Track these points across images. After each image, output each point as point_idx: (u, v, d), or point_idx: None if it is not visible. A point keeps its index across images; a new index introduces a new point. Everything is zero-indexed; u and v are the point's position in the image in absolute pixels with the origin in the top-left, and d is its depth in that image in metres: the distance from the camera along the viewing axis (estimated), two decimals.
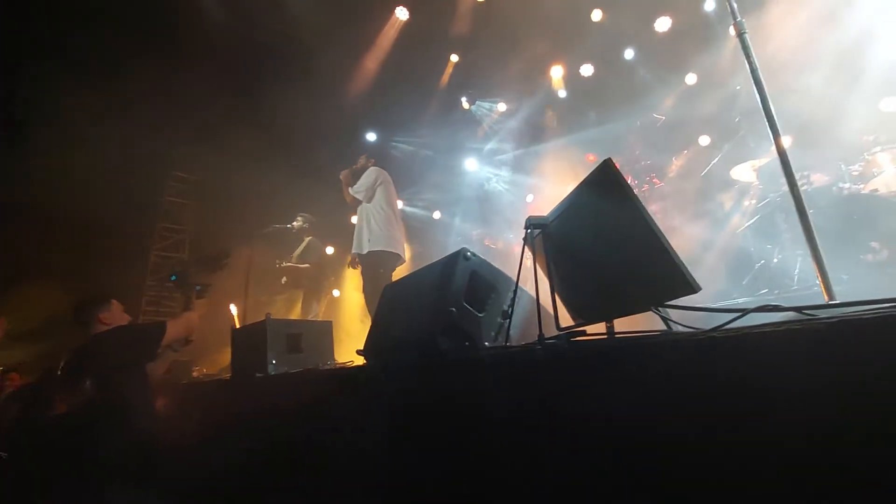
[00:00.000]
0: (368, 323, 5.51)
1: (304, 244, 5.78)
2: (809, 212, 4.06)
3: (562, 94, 7.36)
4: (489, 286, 1.88)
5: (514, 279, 2.01)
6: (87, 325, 2.58)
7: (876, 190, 3.69)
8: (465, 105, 7.79)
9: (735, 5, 1.67)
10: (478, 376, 1.52)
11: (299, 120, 6.95)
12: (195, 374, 4.56)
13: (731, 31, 1.73)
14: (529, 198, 7.29)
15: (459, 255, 1.80)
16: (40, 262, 6.00)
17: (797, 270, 3.79)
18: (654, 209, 5.14)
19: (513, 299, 1.68)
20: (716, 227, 4.61)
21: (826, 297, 1.44)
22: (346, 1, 6.46)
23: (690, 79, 6.51)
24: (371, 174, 4.56)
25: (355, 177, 4.63)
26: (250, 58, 6.58)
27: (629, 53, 6.90)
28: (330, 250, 7.40)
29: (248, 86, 6.76)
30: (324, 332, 2.89)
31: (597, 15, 6.46)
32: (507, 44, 6.94)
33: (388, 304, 2.25)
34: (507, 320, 1.87)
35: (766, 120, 1.55)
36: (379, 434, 1.85)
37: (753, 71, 1.58)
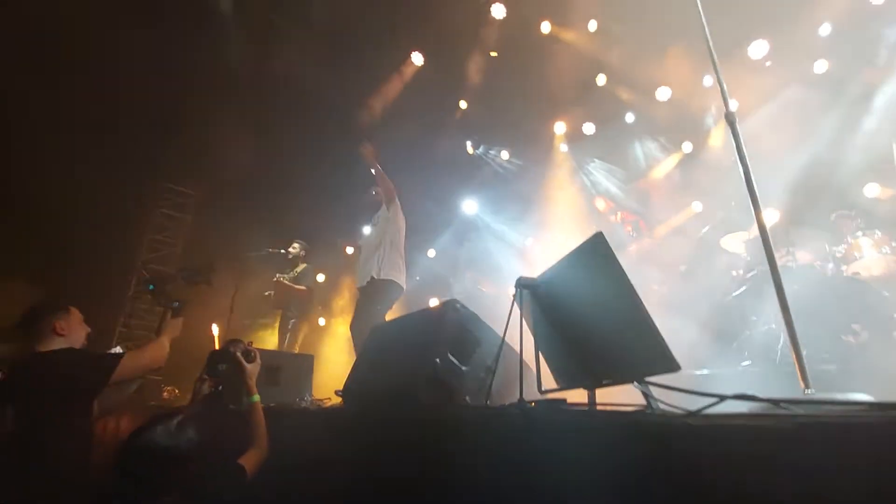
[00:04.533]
0: (353, 357, 5.45)
1: (301, 268, 5.76)
2: (793, 287, 4.15)
3: (563, 148, 7.63)
4: (475, 340, 1.88)
5: (501, 334, 2.02)
6: (38, 335, 2.16)
7: (857, 273, 3.80)
8: (470, 150, 8.01)
9: (726, 93, 1.79)
10: (456, 435, 1.50)
11: (302, 148, 7.10)
12: (166, 395, 4.42)
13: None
14: (528, 241, 7.39)
15: (449, 306, 1.82)
16: (15, 260, 5.89)
17: (780, 345, 3.83)
18: (647, 266, 5.22)
19: (497, 356, 1.69)
20: (705, 293, 4.68)
21: (802, 385, 1.46)
22: (364, 41, 6.76)
23: (687, 147, 6.80)
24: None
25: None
26: (263, 80, 6.77)
27: (630, 117, 7.21)
28: (321, 278, 7.40)
29: (257, 108, 6.91)
30: (304, 366, 2.84)
31: (601, 79, 6.79)
32: (514, 96, 7.23)
33: (374, 346, 2.24)
34: (491, 377, 1.87)
35: (750, 201, 1.62)
36: (346, 483, 1.80)
37: (741, 155, 1.68)
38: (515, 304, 1.61)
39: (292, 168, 7.35)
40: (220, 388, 2.59)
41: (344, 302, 7.46)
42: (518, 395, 1.83)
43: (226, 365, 2.49)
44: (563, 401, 1.31)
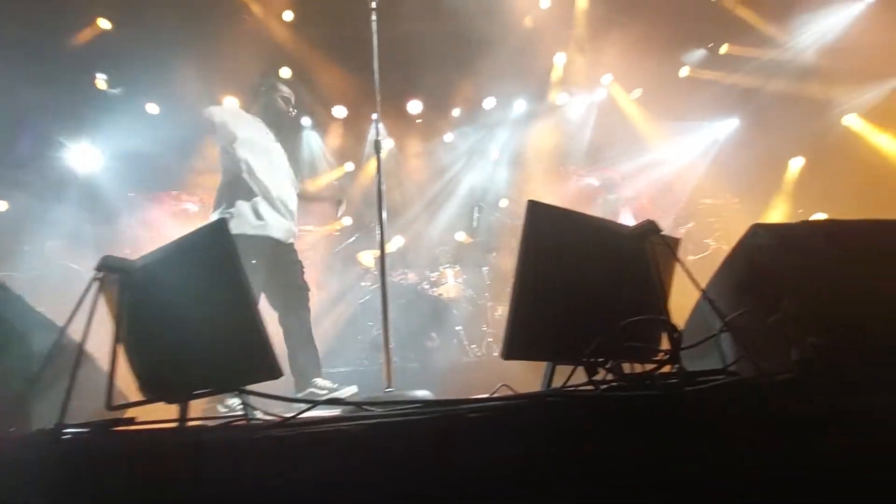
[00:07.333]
0: None
1: None
2: (401, 301, 5.06)
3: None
4: (16, 337, 1.30)
5: (67, 328, 1.49)
6: None
7: (441, 294, 5.06)
8: (101, 85, 6.02)
9: (379, 128, 2.01)
10: None
11: None
12: None
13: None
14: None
15: None
16: None
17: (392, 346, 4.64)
18: None
19: (47, 361, 1.20)
20: (338, 298, 5.17)
21: (386, 383, 1.72)
22: None
23: (349, 166, 7.46)
24: None
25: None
26: None
27: (306, 121, 7.27)
28: None
29: None
30: None
31: (286, 72, 6.57)
32: (179, 43, 5.92)
33: None
34: (34, 389, 1.32)
35: (379, 230, 1.84)
36: None
37: (379, 182, 1.89)
38: (92, 291, 1.20)
39: None
40: None
41: None
42: (79, 413, 1.39)
43: None
44: (132, 419, 1.03)
